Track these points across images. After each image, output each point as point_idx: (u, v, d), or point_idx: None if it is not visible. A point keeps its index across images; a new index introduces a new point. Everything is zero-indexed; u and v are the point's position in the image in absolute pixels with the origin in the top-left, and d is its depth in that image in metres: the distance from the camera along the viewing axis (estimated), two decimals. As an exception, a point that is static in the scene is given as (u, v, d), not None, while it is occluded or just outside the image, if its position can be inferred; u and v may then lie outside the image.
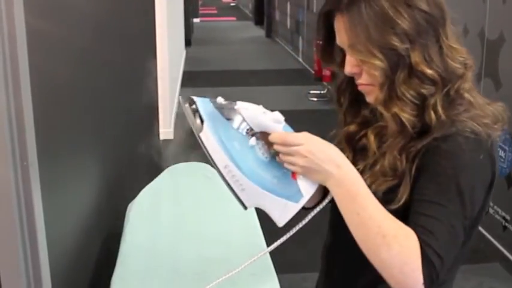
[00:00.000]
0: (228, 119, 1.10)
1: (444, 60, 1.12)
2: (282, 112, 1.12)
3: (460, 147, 1.08)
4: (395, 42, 1.08)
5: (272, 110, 1.13)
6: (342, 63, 1.20)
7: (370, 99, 1.19)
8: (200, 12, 15.69)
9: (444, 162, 1.08)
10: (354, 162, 1.15)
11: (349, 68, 1.16)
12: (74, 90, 1.67)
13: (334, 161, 1.09)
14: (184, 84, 7.89)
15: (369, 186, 1.12)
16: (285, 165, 1.11)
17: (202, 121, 1.09)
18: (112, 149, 2.32)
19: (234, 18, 17.86)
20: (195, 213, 2.02)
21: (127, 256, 1.74)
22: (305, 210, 1.19)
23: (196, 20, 14.27)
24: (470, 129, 1.09)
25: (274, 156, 1.13)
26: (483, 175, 1.12)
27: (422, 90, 1.10)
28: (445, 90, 1.11)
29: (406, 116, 1.10)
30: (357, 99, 1.25)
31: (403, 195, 1.10)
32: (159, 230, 1.91)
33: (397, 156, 1.13)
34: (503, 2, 3.30)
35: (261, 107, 1.13)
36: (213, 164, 1.10)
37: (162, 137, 5.26)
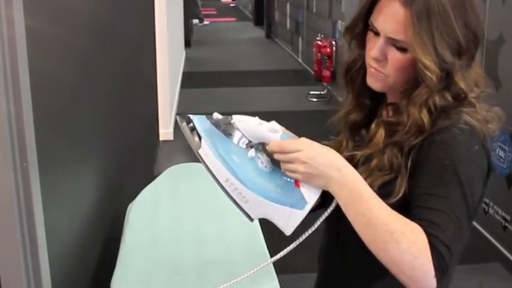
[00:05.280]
0: (227, 134, 1.12)
1: (469, 78, 1.15)
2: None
3: (455, 138, 1.09)
4: (450, 55, 1.11)
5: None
6: (359, 37, 1.21)
7: (376, 85, 1.20)
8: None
9: (440, 153, 1.09)
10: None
11: (377, 53, 1.16)
12: (74, 92, 1.68)
13: (334, 165, 1.09)
14: (184, 85, 7.89)
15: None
16: (287, 173, 1.12)
17: (200, 138, 1.10)
18: (112, 150, 2.32)
19: (234, 19, 17.84)
20: (194, 213, 2.02)
21: (127, 257, 1.74)
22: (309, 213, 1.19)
23: (195, 21, 14.26)
24: (464, 121, 1.11)
25: (277, 165, 1.14)
26: (480, 165, 1.13)
27: (446, 104, 1.13)
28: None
29: (427, 118, 1.12)
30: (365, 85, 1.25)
31: (400, 189, 1.11)
32: (158, 230, 1.91)
33: (395, 151, 1.14)
34: (502, 2, 3.30)
35: (256, 118, 1.13)
36: (214, 180, 1.12)
37: (161, 137, 5.26)
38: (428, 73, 1.11)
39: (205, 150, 1.10)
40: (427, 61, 1.10)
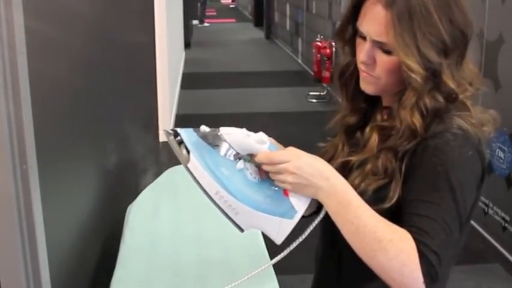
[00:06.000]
0: (215, 146, 1.12)
1: (459, 77, 1.14)
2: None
3: (449, 144, 1.09)
4: (435, 55, 1.10)
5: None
6: (350, 43, 1.21)
7: (368, 89, 1.20)
8: (199, 13, 15.71)
9: (434, 159, 1.09)
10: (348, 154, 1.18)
11: (365, 57, 1.16)
12: (74, 93, 1.68)
13: (322, 174, 1.09)
14: (183, 86, 7.89)
15: (358, 185, 1.13)
16: (276, 183, 1.12)
17: (188, 152, 1.10)
18: (111, 151, 2.32)
19: (234, 20, 17.86)
20: (194, 214, 2.02)
21: (127, 258, 1.74)
22: (304, 219, 1.19)
23: (195, 22, 14.27)
24: (458, 125, 1.10)
25: (266, 175, 1.14)
26: (473, 171, 1.12)
27: (438, 106, 1.12)
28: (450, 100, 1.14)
29: (419, 122, 1.12)
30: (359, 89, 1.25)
31: (395, 194, 1.11)
32: (158, 231, 1.91)
33: (389, 156, 1.14)
34: (502, 2, 3.31)
35: (244, 129, 1.13)
36: (204, 193, 1.12)
37: (161, 138, 5.26)
38: (412, 75, 1.10)
39: (194, 164, 1.10)
40: (411, 62, 1.09)
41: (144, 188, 2.18)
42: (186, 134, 1.12)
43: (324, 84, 7.21)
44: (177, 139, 1.12)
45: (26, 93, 1.07)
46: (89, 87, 1.89)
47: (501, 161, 3.33)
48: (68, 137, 1.59)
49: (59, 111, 1.50)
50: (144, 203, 2.08)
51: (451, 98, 1.14)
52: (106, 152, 2.21)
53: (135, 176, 2.88)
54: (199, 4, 15.15)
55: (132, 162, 2.90)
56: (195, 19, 14.12)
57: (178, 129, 1.13)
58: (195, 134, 1.12)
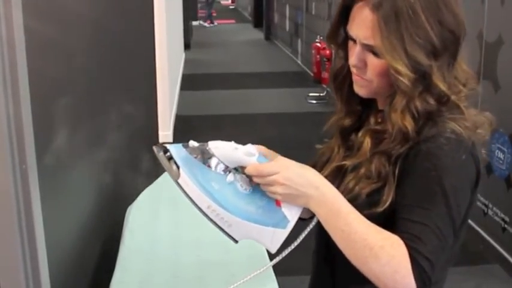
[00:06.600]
0: (204, 161, 1.12)
1: (451, 78, 1.14)
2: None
3: (441, 148, 1.09)
4: (423, 57, 1.09)
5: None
6: (343, 46, 1.22)
7: (361, 91, 1.20)
8: (199, 15, 15.75)
9: (426, 164, 1.09)
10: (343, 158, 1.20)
11: (356, 61, 1.16)
12: (73, 93, 1.68)
13: (312, 183, 1.10)
14: (183, 87, 7.89)
15: (352, 188, 1.13)
16: (267, 193, 1.13)
17: (178, 167, 1.11)
18: (111, 152, 2.32)
19: (233, 21, 17.87)
20: (194, 216, 2.01)
21: (126, 260, 1.73)
22: (302, 222, 1.20)
23: (195, 23, 14.28)
24: (451, 130, 1.10)
25: (256, 186, 1.15)
26: (467, 175, 1.12)
27: (430, 108, 1.12)
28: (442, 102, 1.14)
29: (411, 125, 1.11)
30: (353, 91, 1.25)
31: (388, 197, 1.11)
32: (158, 233, 1.91)
33: (382, 160, 1.14)
34: (501, 4, 3.31)
35: (232, 143, 1.14)
36: (195, 207, 1.13)
37: (161, 139, 5.26)
38: (400, 77, 1.10)
39: (184, 179, 1.11)
40: (398, 65, 1.09)
41: (144, 189, 2.17)
42: (175, 150, 1.13)
43: (324, 85, 7.21)
44: (166, 155, 1.13)
45: (26, 93, 1.07)
46: (89, 88, 1.89)
47: (500, 162, 3.33)
48: (67, 136, 1.59)
49: (59, 111, 1.50)
50: (144, 204, 2.08)
51: (443, 100, 1.13)
52: (106, 152, 2.20)
53: (135, 177, 2.88)
54: (199, 5, 15.24)
55: (131, 163, 2.90)
56: (195, 20, 14.15)
57: (168, 145, 1.14)
58: (184, 149, 1.13)
